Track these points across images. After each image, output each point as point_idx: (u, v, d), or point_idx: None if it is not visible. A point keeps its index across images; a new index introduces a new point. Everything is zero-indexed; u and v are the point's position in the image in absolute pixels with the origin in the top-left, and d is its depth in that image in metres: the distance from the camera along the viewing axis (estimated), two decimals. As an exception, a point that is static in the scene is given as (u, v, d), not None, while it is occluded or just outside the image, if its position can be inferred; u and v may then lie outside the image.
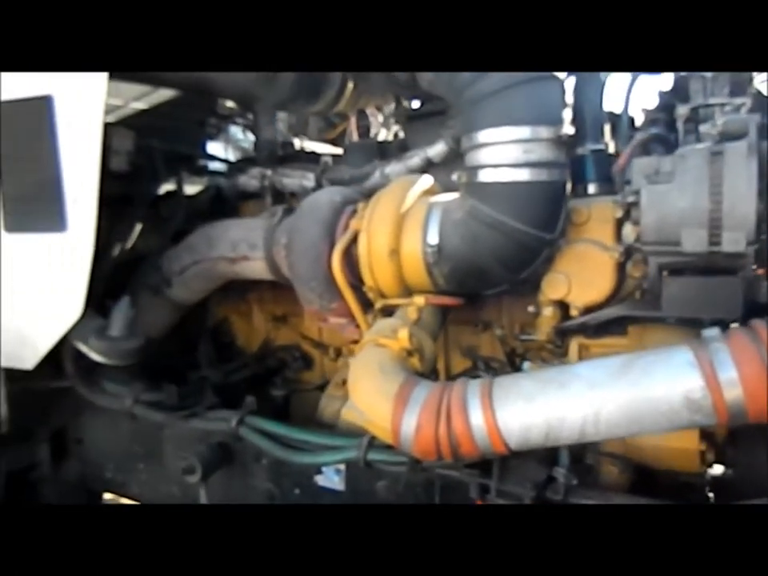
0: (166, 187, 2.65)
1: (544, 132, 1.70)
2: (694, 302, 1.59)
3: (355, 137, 3.57)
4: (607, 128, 2.09)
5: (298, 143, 3.16)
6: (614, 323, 1.83)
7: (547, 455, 1.57)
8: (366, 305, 2.00)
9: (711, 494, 1.87)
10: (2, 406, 2.26)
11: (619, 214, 1.76)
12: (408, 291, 1.94)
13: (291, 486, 2.07)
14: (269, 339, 2.86)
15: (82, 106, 1.90)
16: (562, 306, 1.91)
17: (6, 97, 2.01)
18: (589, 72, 2.04)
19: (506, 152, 1.70)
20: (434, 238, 1.82)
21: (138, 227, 2.46)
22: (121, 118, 2.54)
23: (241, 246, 2.26)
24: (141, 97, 2.62)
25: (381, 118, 3.55)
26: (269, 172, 2.60)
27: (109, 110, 2.03)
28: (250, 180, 2.65)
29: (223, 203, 2.75)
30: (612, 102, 2.11)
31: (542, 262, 1.85)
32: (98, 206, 1.93)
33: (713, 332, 1.30)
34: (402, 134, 2.86)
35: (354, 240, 1.94)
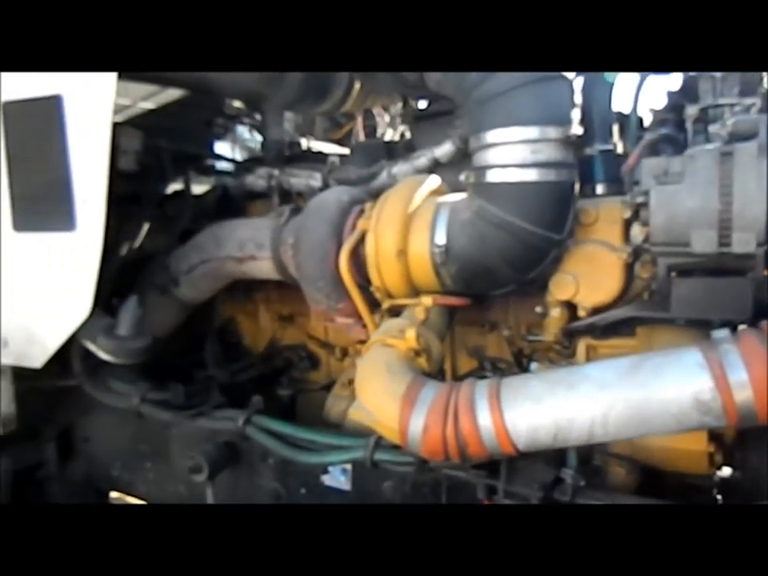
0: (174, 187, 2.66)
1: (552, 132, 1.70)
2: (703, 303, 1.59)
3: (362, 137, 3.57)
4: (616, 128, 2.08)
5: (304, 143, 3.16)
6: (622, 324, 1.82)
7: (555, 456, 1.57)
8: (373, 305, 1.99)
9: (719, 496, 1.86)
10: (10, 405, 2.27)
11: (627, 214, 1.75)
12: (415, 291, 1.94)
13: (298, 486, 2.07)
14: (275, 339, 2.86)
15: (92, 106, 1.91)
16: (570, 307, 1.90)
17: (15, 97, 2.02)
18: (597, 72, 2.04)
19: (514, 152, 1.70)
20: (441, 239, 1.82)
21: (146, 227, 2.47)
22: (129, 118, 2.55)
23: (248, 246, 2.26)
24: (149, 97, 2.62)
25: (387, 118, 3.55)
26: (276, 172, 2.60)
27: (117, 109, 2.04)
28: (257, 180, 2.66)
29: (230, 203, 2.75)
30: (621, 102, 2.11)
31: (549, 262, 1.85)
32: (106, 205, 1.93)
33: (722, 333, 1.29)
34: (408, 134, 2.86)
35: (361, 240, 1.93)
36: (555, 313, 1.92)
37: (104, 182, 1.91)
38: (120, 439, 2.52)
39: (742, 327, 1.49)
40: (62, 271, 2.04)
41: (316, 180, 2.51)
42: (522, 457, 1.47)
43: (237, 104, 3.14)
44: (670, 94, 1.99)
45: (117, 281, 2.29)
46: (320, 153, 3.04)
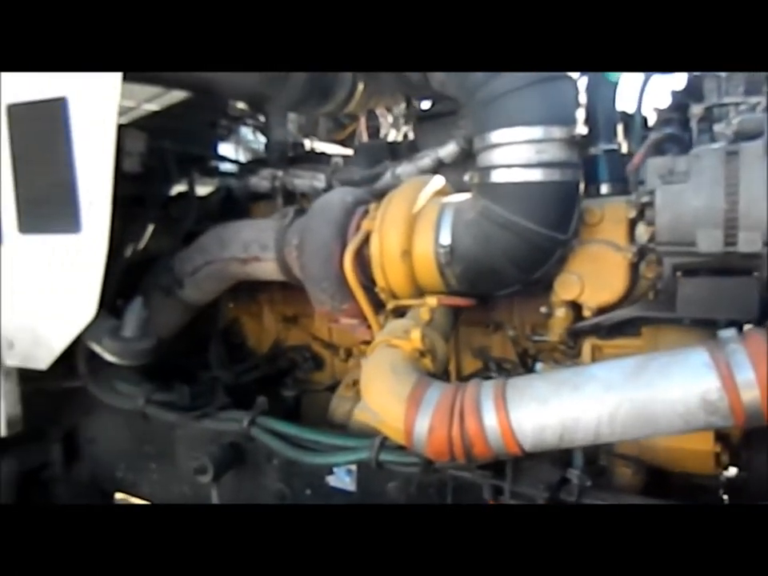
0: (178, 188, 2.66)
1: (557, 132, 1.70)
2: (709, 303, 1.58)
3: (365, 137, 3.57)
4: (620, 128, 2.08)
5: (308, 144, 3.16)
6: (628, 324, 1.82)
7: (561, 456, 1.56)
8: (378, 305, 1.99)
9: (725, 496, 1.85)
10: (16, 406, 2.28)
11: (632, 214, 1.75)
12: (420, 292, 1.94)
13: (302, 487, 2.07)
14: (279, 340, 2.86)
15: (97, 108, 1.91)
16: (575, 307, 1.90)
17: (21, 99, 2.03)
18: (601, 72, 2.03)
19: (518, 152, 1.70)
20: (446, 239, 1.82)
21: (150, 228, 2.47)
22: (133, 120, 2.56)
23: (252, 247, 2.27)
24: (153, 98, 2.63)
25: (390, 119, 3.55)
26: (279, 173, 2.60)
27: (121, 111, 2.04)
28: (260, 181, 2.66)
29: (234, 204, 2.75)
30: (625, 101, 2.11)
31: (554, 262, 1.84)
32: (111, 207, 1.93)
33: (729, 333, 1.29)
34: (411, 135, 2.86)
35: (365, 241, 1.94)
36: (560, 313, 1.91)
37: (109, 184, 1.91)
38: (125, 440, 2.52)
39: (748, 327, 1.48)
40: (68, 273, 2.05)
41: (320, 181, 2.51)
42: (528, 457, 1.47)
43: (240, 105, 3.14)
44: (675, 93, 1.98)
45: (121, 282, 2.29)
46: (323, 154, 3.04)
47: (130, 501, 2.78)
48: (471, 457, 1.43)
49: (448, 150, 2.22)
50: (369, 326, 2.03)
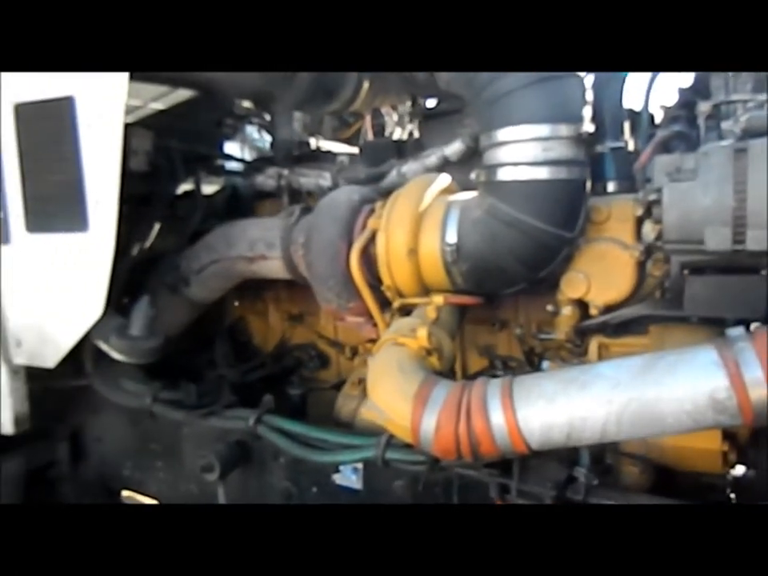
0: (184, 187, 2.67)
1: (563, 130, 1.69)
2: (717, 301, 1.58)
3: (370, 136, 3.57)
4: (627, 125, 2.07)
5: (313, 143, 3.16)
6: (635, 322, 1.82)
7: (568, 455, 1.56)
8: (384, 304, 1.99)
9: (733, 495, 1.85)
10: (23, 404, 2.29)
11: (639, 212, 1.75)
12: (426, 290, 1.94)
13: (309, 485, 2.07)
14: (285, 338, 2.87)
15: (104, 107, 1.92)
16: (582, 305, 1.90)
17: (28, 98, 2.03)
18: (608, 72, 2.02)
19: (525, 150, 1.70)
20: (452, 237, 1.82)
21: (157, 227, 2.48)
22: (139, 119, 2.56)
23: (258, 246, 2.27)
24: (159, 97, 2.63)
25: (396, 117, 3.54)
26: (285, 171, 2.61)
27: (128, 110, 2.04)
28: (266, 180, 2.67)
29: (240, 203, 2.76)
30: (632, 99, 2.10)
31: (561, 260, 1.84)
32: (118, 206, 1.94)
33: (737, 331, 1.28)
34: (417, 133, 2.86)
35: (372, 239, 1.94)
36: (567, 311, 1.91)
37: (116, 183, 1.91)
38: (131, 438, 2.53)
39: (755, 325, 1.48)
40: (75, 272, 2.05)
41: (325, 179, 2.51)
42: (535, 456, 1.47)
43: (246, 104, 3.14)
44: (682, 91, 1.97)
45: (128, 281, 2.30)
46: (329, 152, 3.03)
47: (136, 499, 2.79)
48: (478, 455, 1.43)
49: (454, 148, 2.21)
50: (375, 325, 2.03)
